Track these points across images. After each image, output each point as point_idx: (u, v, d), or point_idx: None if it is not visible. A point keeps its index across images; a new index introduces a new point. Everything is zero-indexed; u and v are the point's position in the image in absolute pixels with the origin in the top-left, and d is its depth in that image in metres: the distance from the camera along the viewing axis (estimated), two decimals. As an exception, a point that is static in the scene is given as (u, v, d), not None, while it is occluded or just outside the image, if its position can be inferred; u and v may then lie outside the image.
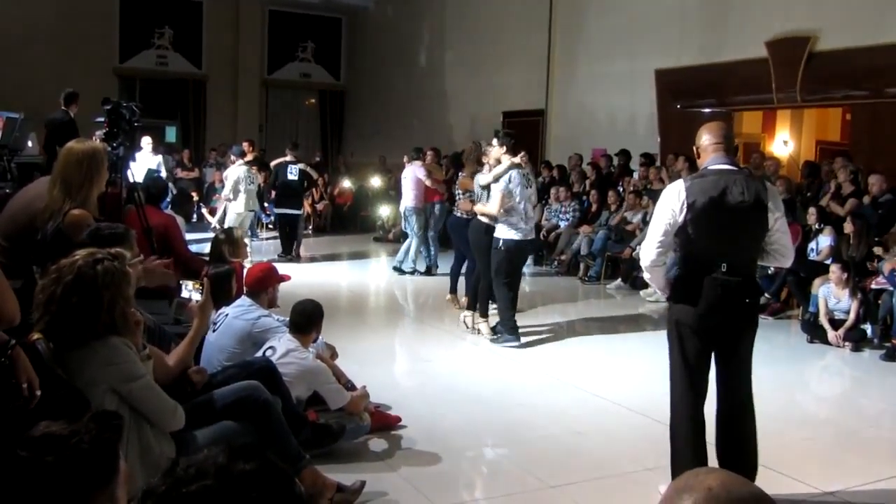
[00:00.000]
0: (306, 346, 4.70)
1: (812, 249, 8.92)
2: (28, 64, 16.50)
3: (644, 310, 9.51)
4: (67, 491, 1.46)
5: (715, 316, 3.86)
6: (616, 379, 6.42)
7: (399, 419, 5.04)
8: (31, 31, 17.12)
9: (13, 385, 2.56)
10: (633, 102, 13.14)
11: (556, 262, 11.96)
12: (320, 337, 5.13)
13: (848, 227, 8.36)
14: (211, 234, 11.12)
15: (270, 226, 15.52)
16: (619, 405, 5.73)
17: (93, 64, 17.79)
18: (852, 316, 7.67)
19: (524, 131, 15.53)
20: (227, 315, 4.84)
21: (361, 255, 13.74)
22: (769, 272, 8.63)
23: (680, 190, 3.85)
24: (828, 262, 8.34)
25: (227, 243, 6.22)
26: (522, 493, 4.22)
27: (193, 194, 15.40)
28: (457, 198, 9.30)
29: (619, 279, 10.81)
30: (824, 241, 8.80)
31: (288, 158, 12.48)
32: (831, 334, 7.68)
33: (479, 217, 7.59)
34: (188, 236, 7.86)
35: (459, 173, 9.56)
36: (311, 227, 16.09)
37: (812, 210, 9.20)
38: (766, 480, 4.26)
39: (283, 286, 5.27)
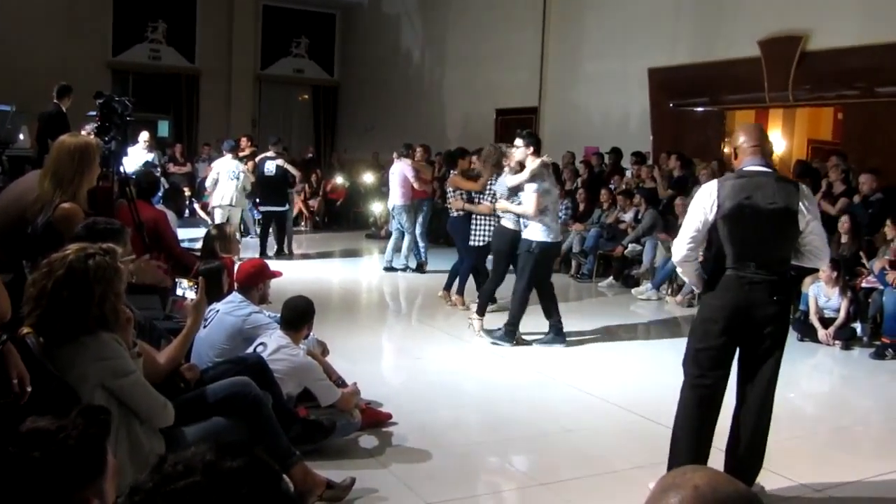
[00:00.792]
0: (297, 342, 4.70)
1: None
2: (20, 57, 16.41)
3: (635, 308, 9.53)
4: (54, 486, 1.46)
5: (741, 314, 3.92)
6: (607, 376, 6.43)
7: (390, 416, 5.04)
8: (23, 23, 17.04)
9: (4, 380, 2.55)
10: (626, 101, 13.16)
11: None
12: (312, 333, 5.13)
13: (843, 227, 8.38)
14: (203, 230, 11.12)
15: (261, 222, 15.49)
16: (610, 403, 5.74)
17: (86, 57, 17.73)
18: (842, 314, 7.71)
19: (517, 129, 15.55)
20: (217, 311, 4.83)
21: (353, 252, 13.74)
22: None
23: (712, 190, 3.95)
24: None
25: (219, 239, 6.22)
26: (513, 490, 4.23)
27: (186, 189, 15.36)
28: (448, 196, 9.28)
29: (611, 277, 10.83)
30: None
31: (268, 154, 12.39)
32: (821, 332, 7.71)
33: (504, 222, 7.48)
34: (180, 231, 7.85)
35: (451, 171, 9.53)
36: (304, 224, 16.07)
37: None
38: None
39: (274, 282, 5.26)
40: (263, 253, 12.00)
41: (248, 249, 11.62)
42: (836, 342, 7.63)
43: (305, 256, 12.37)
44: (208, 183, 12.06)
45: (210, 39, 20.20)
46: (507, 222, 7.46)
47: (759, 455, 4.08)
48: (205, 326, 4.72)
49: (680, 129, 12.80)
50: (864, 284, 7.94)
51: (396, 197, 11.04)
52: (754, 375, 4.00)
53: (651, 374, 6.54)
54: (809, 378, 7.30)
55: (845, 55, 10.09)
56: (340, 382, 5.01)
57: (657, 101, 12.75)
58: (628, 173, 12.27)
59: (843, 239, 8.36)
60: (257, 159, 12.60)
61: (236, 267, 5.55)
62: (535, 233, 7.05)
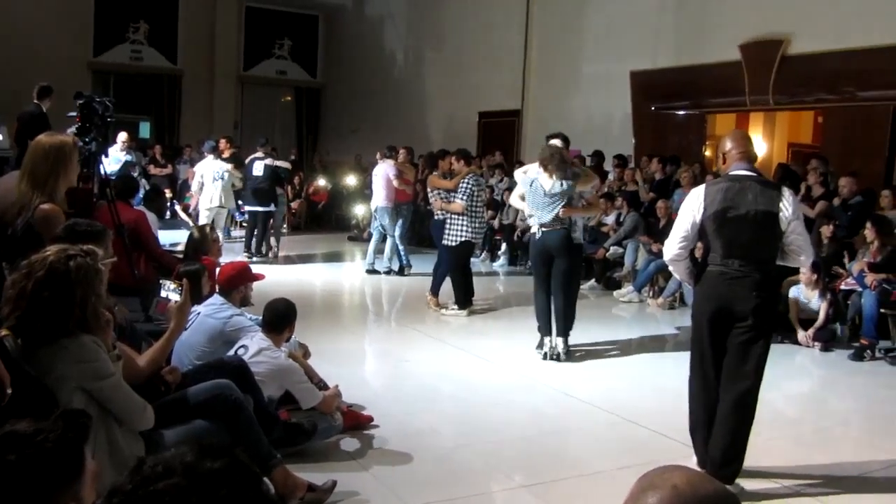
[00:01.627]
0: (279, 345, 4.68)
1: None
2: (0, 57, 16.30)
3: (617, 310, 9.57)
4: (30, 489, 1.45)
5: (724, 308, 4.17)
6: (589, 379, 6.45)
7: (371, 419, 5.04)
8: (3, 23, 16.92)
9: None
10: (608, 104, 13.21)
11: (529, 262, 11.98)
12: (293, 336, 5.11)
13: (826, 231, 8.42)
14: (185, 231, 11.09)
15: (244, 224, 15.46)
16: (592, 405, 5.76)
17: (66, 58, 17.63)
18: (822, 316, 7.77)
19: (500, 132, 15.60)
20: (198, 313, 4.80)
21: (336, 254, 13.72)
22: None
23: (700, 193, 4.26)
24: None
25: (201, 241, 6.20)
26: (495, 492, 4.23)
27: (166, 191, 15.29)
28: (430, 197, 9.29)
29: (593, 279, 10.85)
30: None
31: (256, 154, 12.42)
32: (801, 334, 7.77)
33: (559, 227, 6.82)
34: (161, 234, 7.81)
35: (435, 172, 9.55)
36: (284, 226, 16.03)
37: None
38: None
39: (256, 285, 5.25)
40: (248, 249, 12.15)
41: (230, 252, 11.58)
42: (816, 344, 7.69)
43: (288, 259, 12.33)
44: (194, 187, 12.04)
45: (192, 40, 20.14)
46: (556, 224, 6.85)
47: (736, 451, 4.19)
48: (185, 329, 4.69)
49: (662, 132, 12.88)
50: (843, 286, 8.00)
51: (379, 199, 11.05)
52: (735, 370, 4.19)
53: (633, 376, 6.57)
54: (789, 379, 7.33)
55: (825, 59, 10.19)
56: (322, 385, 4.99)
57: (639, 104, 12.82)
58: (610, 176, 12.32)
59: (824, 241, 8.42)
60: (247, 161, 12.61)
61: (218, 269, 5.52)
62: (579, 235, 7.18)
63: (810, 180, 9.68)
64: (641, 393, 6.16)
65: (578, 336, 7.24)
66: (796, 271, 8.01)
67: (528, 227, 12.03)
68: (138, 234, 6.08)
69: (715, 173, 10.49)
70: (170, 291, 4.96)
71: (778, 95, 10.97)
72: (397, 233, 11.08)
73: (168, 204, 14.75)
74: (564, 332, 6.95)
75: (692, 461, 4.39)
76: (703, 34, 11.78)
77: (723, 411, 4.20)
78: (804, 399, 6.64)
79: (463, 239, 8.59)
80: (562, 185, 6.71)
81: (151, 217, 7.34)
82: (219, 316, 4.78)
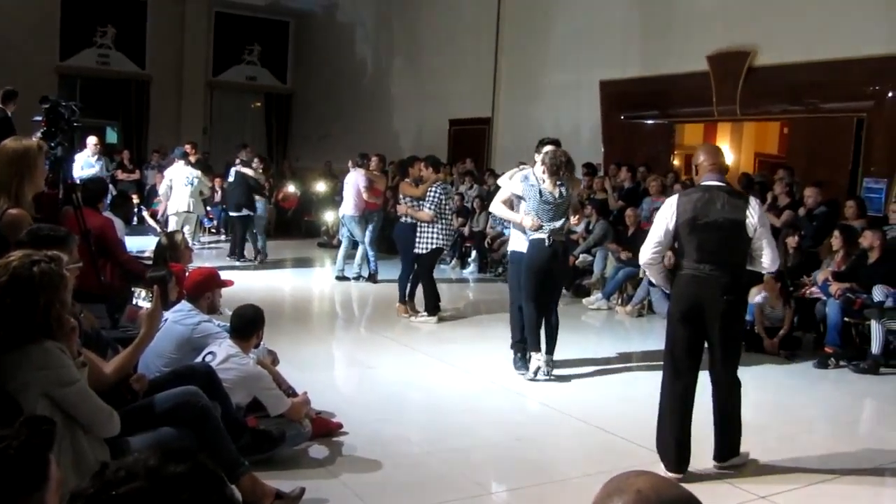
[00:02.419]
0: (247, 351, 4.65)
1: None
2: (-36, 60, 16.08)
3: (586, 318, 9.62)
4: (-7, 496, 1.43)
5: (695, 308, 4.48)
6: (557, 386, 6.46)
7: (340, 425, 5.02)
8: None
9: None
10: (578, 112, 13.30)
11: (501, 269, 12.02)
12: (262, 342, 5.08)
13: (792, 242, 8.53)
14: (153, 237, 11.03)
15: (213, 230, 15.39)
16: (560, 412, 5.78)
17: (32, 61, 17.41)
18: (786, 324, 7.86)
19: (470, 139, 15.64)
20: (166, 320, 4.77)
21: (305, 261, 13.66)
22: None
23: (673, 202, 4.58)
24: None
25: (170, 248, 6.16)
26: (463, 499, 4.23)
27: (133, 196, 15.17)
28: (402, 203, 9.30)
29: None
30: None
31: (237, 161, 12.71)
32: (767, 342, 7.86)
33: (563, 237, 6.69)
34: (128, 240, 7.74)
35: (406, 180, 9.56)
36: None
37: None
38: (698, 486, 4.35)
39: (225, 291, 5.21)
40: (232, 254, 12.53)
41: (199, 258, 11.50)
42: (782, 352, 7.78)
43: (258, 266, 12.24)
44: (162, 191, 12.02)
45: (161, 45, 19.98)
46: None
47: (737, 426, 4.66)
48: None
49: (631, 141, 12.98)
50: (807, 295, 8.11)
51: (349, 206, 11.05)
52: (716, 363, 4.59)
53: (601, 384, 6.60)
54: (754, 387, 7.38)
55: (790, 71, 10.34)
56: (291, 392, 4.97)
57: (608, 113, 12.92)
58: (581, 185, 12.37)
59: (790, 251, 8.53)
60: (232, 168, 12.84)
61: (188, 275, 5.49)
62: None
63: (777, 190, 9.81)
64: (609, 400, 6.19)
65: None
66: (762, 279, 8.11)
67: (500, 234, 12.19)
68: (104, 240, 6.02)
69: (684, 182, 10.63)
70: (141, 299, 4.92)
71: (744, 106, 11.11)
72: (367, 239, 11.07)
73: (135, 210, 14.66)
74: (553, 348, 6.65)
75: (659, 467, 4.42)
76: (671, 45, 11.91)
77: (720, 397, 4.61)
78: (769, 406, 6.70)
79: (434, 246, 8.64)
80: (566, 191, 6.56)
81: (118, 223, 7.27)
82: (186, 322, 4.75)
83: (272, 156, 21.00)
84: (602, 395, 6.31)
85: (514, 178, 6.81)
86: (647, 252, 4.64)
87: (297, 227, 17.09)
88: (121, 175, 16.01)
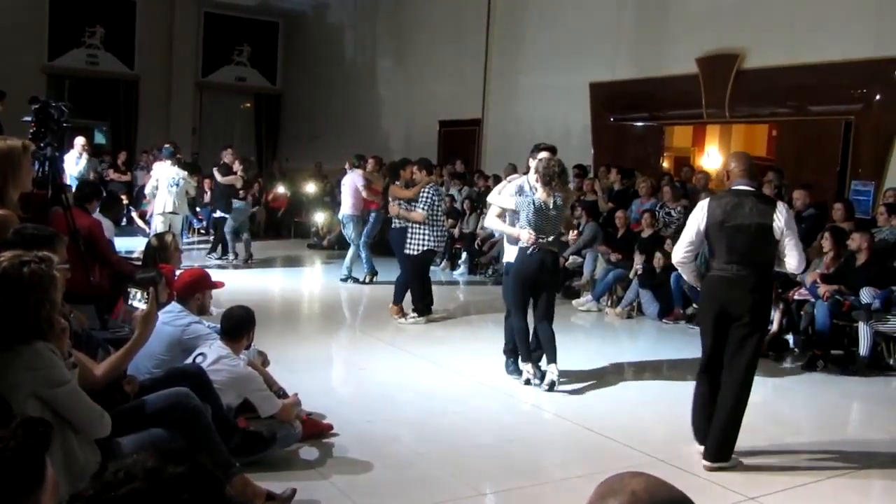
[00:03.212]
0: (238, 352, 4.65)
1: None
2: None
3: (576, 319, 9.63)
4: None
5: (724, 306, 4.74)
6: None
7: (331, 427, 5.02)
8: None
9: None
10: (567, 114, 13.32)
11: (491, 271, 12.03)
12: (252, 344, 5.08)
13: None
14: (142, 238, 11.00)
15: (202, 230, 15.35)
16: (551, 413, 5.80)
17: (20, 62, 17.32)
18: (775, 326, 7.90)
19: (461, 141, 15.65)
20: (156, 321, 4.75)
21: (295, 262, 13.64)
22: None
23: (704, 205, 4.89)
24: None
25: (159, 249, 6.14)
26: (454, 500, 4.23)
27: (123, 197, 15.12)
28: (390, 205, 9.31)
29: (552, 288, 10.90)
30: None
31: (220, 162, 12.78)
32: (756, 344, 7.88)
33: (555, 247, 6.62)
34: (117, 240, 7.72)
35: (397, 182, 9.58)
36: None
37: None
38: (689, 486, 4.36)
39: (216, 293, 5.20)
40: (214, 250, 12.63)
41: (186, 258, 11.46)
42: (770, 353, 7.80)
43: (247, 266, 12.22)
44: (148, 191, 11.98)
45: (150, 45, 19.92)
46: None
47: (733, 429, 4.78)
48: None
49: (620, 143, 13.02)
50: (796, 297, 8.14)
51: (348, 206, 11.10)
52: (733, 361, 4.75)
53: (591, 385, 6.61)
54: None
55: (779, 74, 10.38)
56: (281, 393, 4.97)
57: (598, 114, 12.95)
58: (571, 186, 12.40)
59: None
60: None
61: (177, 276, 5.47)
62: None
63: (765, 192, 9.83)
64: (600, 401, 6.21)
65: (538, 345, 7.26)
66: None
67: (490, 235, 12.20)
68: (92, 241, 6.00)
69: (674, 183, 10.68)
70: (136, 300, 4.90)
71: (733, 108, 11.15)
72: (361, 241, 11.08)
73: (124, 210, 14.62)
74: (556, 357, 6.38)
75: (651, 469, 4.43)
76: (661, 47, 11.95)
77: (722, 398, 4.76)
78: (757, 407, 6.69)
79: (426, 248, 8.64)
80: (561, 202, 6.41)
81: (107, 224, 7.24)
82: (177, 323, 4.74)
83: (262, 156, 20.97)
84: (592, 396, 6.33)
85: (503, 193, 6.68)
86: (679, 252, 4.98)
87: (287, 228, 17.06)
88: (113, 175, 15.97)
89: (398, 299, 8.87)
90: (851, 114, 10.08)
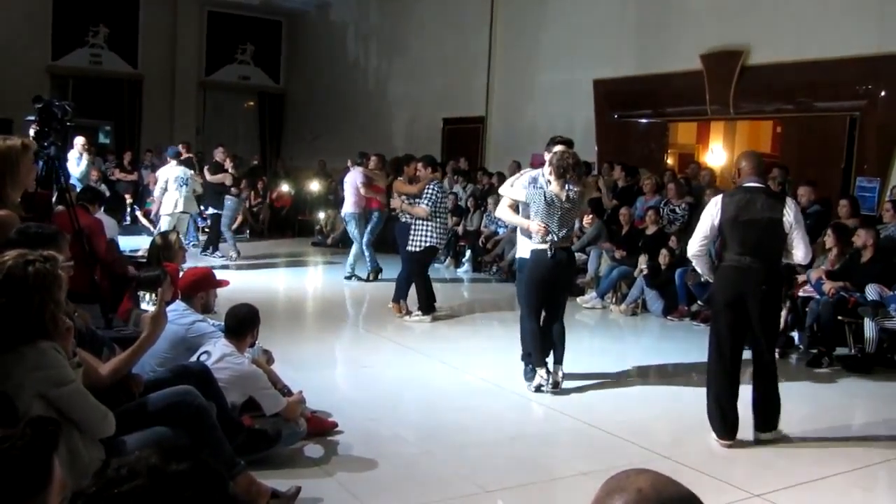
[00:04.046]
0: (242, 350, 4.64)
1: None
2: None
3: (580, 316, 9.62)
4: (-4, 497, 1.42)
5: (737, 295, 5.06)
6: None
7: (335, 424, 5.02)
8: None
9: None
10: (571, 111, 13.29)
11: (495, 269, 12.03)
12: (256, 342, 5.07)
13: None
14: (146, 237, 11.02)
15: (207, 229, 15.35)
16: (555, 410, 5.79)
17: (24, 61, 17.34)
18: (780, 323, 7.86)
19: (464, 138, 15.65)
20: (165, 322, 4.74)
21: (299, 260, 13.65)
22: (701, 281, 8.79)
23: (717, 201, 5.21)
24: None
25: (163, 247, 6.14)
26: (459, 497, 4.23)
27: (127, 196, 15.14)
28: (393, 200, 9.31)
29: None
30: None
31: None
32: (760, 341, 7.87)
33: (569, 244, 6.43)
34: (121, 239, 7.72)
35: (400, 178, 9.58)
36: (245, 232, 15.83)
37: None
38: (694, 483, 4.35)
39: (220, 291, 5.20)
40: (206, 247, 12.81)
41: (192, 257, 11.47)
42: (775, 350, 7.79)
43: (252, 265, 12.23)
44: (157, 192, 12.01)
45: (153, 44, 19.93)
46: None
47: (776, 403, 5.20)
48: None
49: (624, 140, 12.99)
50: (801, 294, 8.12)
51: (348, 205, 11.11)
52: (758, 345, 5.19)
53: (595, 382, 6.60)
54: (747, 385, 7.42)
55: (784, 70, 10.35)
56: (286, 391, 4.96)
57: (602, 111, 12.92)
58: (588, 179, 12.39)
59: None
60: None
61: (181, 274, 5.47)
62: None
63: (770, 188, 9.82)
64: (605, 398, 6.20)
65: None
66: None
67: (494, 232, 12.20)
68: (90, 241, 6.01)
69: (678, 180, 10.68)
70: (148, 302, 4.90)
71: (738, 105, 11.12)
72: (364, 239, 11.08)
73: (128, 210, 14.65)
74: (562, 359, 6.33)
75: (656, 465, 4.42)
76: (665, 44, 11.92)
77: (758, 376, 5.23)
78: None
79: (428, 245, 8.61)
80: (575, 196, 6.17)
81: (109, 223, 7.26)
82: (181, 322, 4.73)
83: (265, 155, 20.96)
84: (597, 393, 6.32)
85: (515, 185, 6.50)
86: (694, 245, 5.28)
87: (290, 226, 17.06)
88: (119, 175, 15.99)
89: (399, 296, 8.87)
90: (856, 110, 10.05)
